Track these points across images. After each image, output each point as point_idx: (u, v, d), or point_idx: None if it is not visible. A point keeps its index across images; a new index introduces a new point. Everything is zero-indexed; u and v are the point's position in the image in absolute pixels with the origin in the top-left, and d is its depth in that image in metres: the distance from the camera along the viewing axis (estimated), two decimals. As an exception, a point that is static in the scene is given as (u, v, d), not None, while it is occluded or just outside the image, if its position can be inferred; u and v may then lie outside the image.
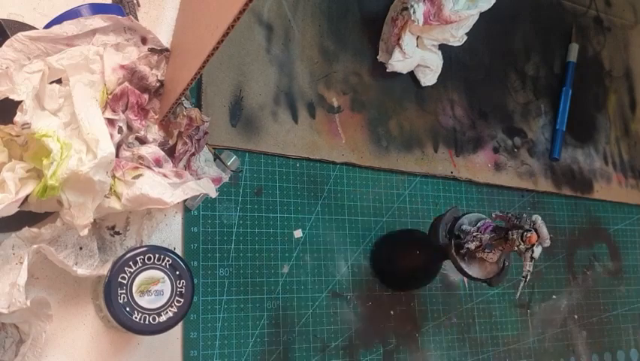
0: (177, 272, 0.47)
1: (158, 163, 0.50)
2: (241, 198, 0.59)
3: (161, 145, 0.52)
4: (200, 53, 0.42)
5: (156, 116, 0.52)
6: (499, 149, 0.75)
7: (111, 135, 0.47)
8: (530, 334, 0.72)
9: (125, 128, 0.50)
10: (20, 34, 0.46)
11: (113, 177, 0.47)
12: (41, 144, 0.45)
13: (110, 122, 0.49)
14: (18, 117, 0.45)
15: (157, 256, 0.47)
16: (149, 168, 0.49)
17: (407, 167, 0.68)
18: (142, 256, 0.46)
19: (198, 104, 0.58)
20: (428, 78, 0.70)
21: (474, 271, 0.55)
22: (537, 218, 0.52)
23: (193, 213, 0.57)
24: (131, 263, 0.46)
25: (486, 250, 0.54)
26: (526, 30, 0.81)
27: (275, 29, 0.64)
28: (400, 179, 0.68)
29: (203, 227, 0.57)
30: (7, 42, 0.46)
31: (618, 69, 0.89)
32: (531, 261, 0.52)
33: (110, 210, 0.48)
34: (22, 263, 0.45)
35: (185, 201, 0.56)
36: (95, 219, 0.47)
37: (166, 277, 0.47)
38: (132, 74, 0.50)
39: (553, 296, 0.75)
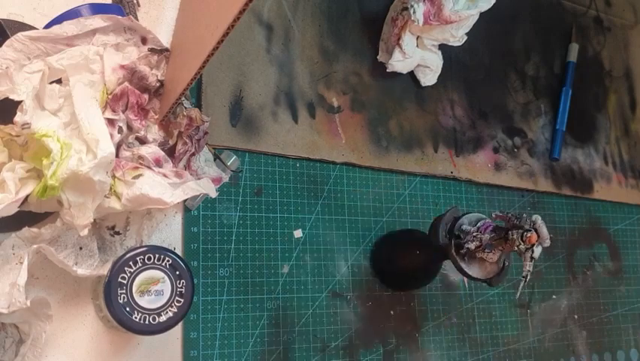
0: (177, 272, 0.47)
1: (158, 163, 0.50)
2: (241, 198, 0.59)
3: (161, 145, 0.52)
4: (200, 53, 0.42)
5: (156, 116, 0.52)
6: (499, 149, 0.75)
7: (111, 135, 0.47)
8: (530, 334, 0.72)
9: (125, 128, 0.50)
10: (20, 34, 0.46)
11: (113, 177, 0.47)
12: (41, 144, 0.45)
13: (110, 122, 0.49)
14: (18, 117, 0.45)
15: (157, 256, 0.47)
16: (149, 168, 0.49)
17: (407, 167, 0.68)
18: (142, 256, 0.46)
19: (198, 104, 0.58)
20: (428, 78, 0.70)
21: (474, 271, 0.55)
22: (537, 218, 0.52)
23: (193, 213, 0.57)
24: (131, 263, 0.46)
25: (486, 250, 0.54)
26: (526, 30, 0.81)
27: (275, 29, 0.64)
28: (400, 179, 0.68)
29: (203, 227, 0.57)
30: (7, 42, 0.46)
31: (618, 69, 0.89)
32: (531, 261, 0.52)
33: (110, 210, 0.48)
34: (22, 263, 0.45)
35: (185, 201, 0.56)
36: (95, 219, 0.47)
37: (166, 277, 0.47)
38: (132, 74, 0.50)
39: (553, 296, 0.75)
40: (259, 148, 0.60)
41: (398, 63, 0.66)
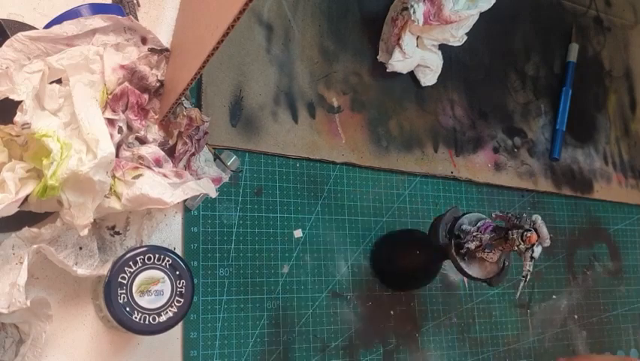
0: (177, 272, 0.47)
1: (158, 163, 0.50)
2: (241, 198, 0.59)
3: (161, 145, 0.52)
4: (200, 53, 0.42)
5: (156, 116, 0.52)
6: (499, 149, 0.75)
7: (111, 135, 0.47)
8: (530, 334, 0.72)
9: (125, 128, 0.50)
10: (20, 34, 0.46)
11: (113, 177, 0.47)
12: (41, 144, 0.45)
13: (110, 122, 0.49)
14: (18, 117, 0.45)
15: (157, 256, 0.47)
16: (149, 168, 0.49)
17: (407, 167, 0.68)
18: (142, 256, 0.46)
19: (198, 104, 0.58)
20: (428, 78, 0.70)
21: (474, 271, 0.55)
22: (537, 218, 0.52)
23: (193, 213, 0.57)
24: (131, 263, 0.46)
25: (486, 250, 0.54)
26: (526, 30, 0.81)
27: (275, 29, 0.64)
28: (400, 179, 0.68)
29: (203, 227, 0.57)
30: (7, 42, 0.46)
31: (618, 69, 0.89)
32: (531, 261, 0.52)
33: (110, 210, 0.48)
34: (22, 263, 0.45)
35: (185, 201, 0.56)
36: (95, 219, 0.47)
37: (166, 277, 0.47)
38: (132, 74, 0.50)
39: (554, 296, 0.75)
40: (259, 148, 0.60)
41: (398, 63, 0.66)
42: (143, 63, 0.51)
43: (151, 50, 0.51)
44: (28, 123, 0.44)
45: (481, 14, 0.66)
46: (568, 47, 0.83)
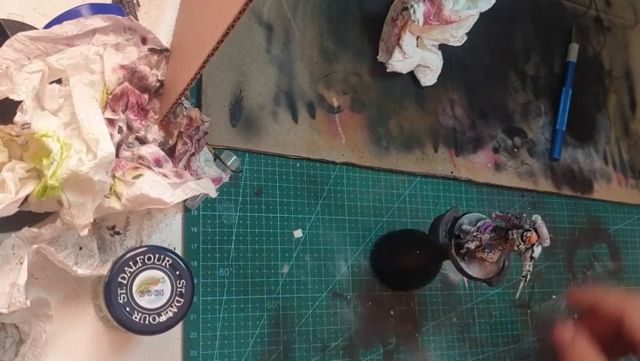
0: (177, 272, 0.47)
1: (158, 163, 0.50)
2: (241, 198, 0.59)
3: (161, 145, 0.52)
4: (200, 53, 0.42)
5: (156, 116, 0.52)
6: (499, 149, 0.75)
7: (111, 135, 0.47)
8: (530, 334, 0.72)
9: (125, 128, 0.50)
10: (20, 34, 0.46)
11: (113, 177, 0.47)
12: (41, 144, 0.45)
13: (110, 122, 0.49)
14: (18, 117, 0.45)
15: (157, 256, 0.47)
16: (149, 168, 0.49)
17: (407, 167, 0.68)
18: (142, 256, 0.46)
19: (198, 104, 0.58)
20: (428, 78, 0.70)
21: (474, 271, 0.55)
22: (537, 218, 0.52)
23: (193, 213, 0.57)
24: (131, 263, 0.46)
25: (486, 250, 0.54)
26: (526, 30, 0.81)
27: (275, 29, 0.64)
28: (400, 179, 0.68)
29: (203, 227, 0.57)
30: (7, 42, 0.46)
31: (618, 69, 0.89)
32: (531, 261, 0.52)
33: (110, 210, 0.48)
34: (22, 263, 0.45)
35: (185, 201, 0.56)
36: (95, 219, 0.47)
37: (166, 277, 0.47)
38: (132, 74, 0.50)
39: (553, 296, 0.75)
40: (259, 148, 0.60)
41: (398, 63, 0.66)
42: (143, 63, 0.51)
43: (151, 50, 0.51)
44: (28, 123, 0.44)
45: (481, 14, 0.66)
46: (568, 47, 0.83)
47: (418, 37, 0.67)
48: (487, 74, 0.76)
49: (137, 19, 0.57)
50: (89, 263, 0.49)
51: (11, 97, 0.45)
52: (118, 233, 0.53)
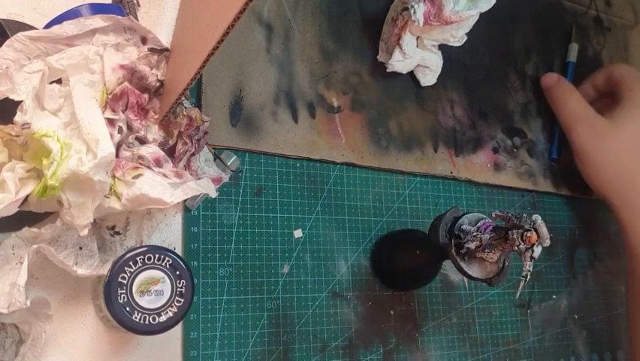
0: (177, 272, 0.47)
1: (158, 163, 0.50)
2: (241, 198, 0.59)
3: (161, 145, 0.52)
4: (200, 53, 0.42)
5: (156, 116, 0.52)
6: (498, 149, 0.75)
7: (111, 135, 0.47)
8: (530, 334, 0.72)
9: (125, 128, 0.50)
10: (20, 34, 0.46)
11: (113, 177, 0.47)
12: (41, 144, 0.45)
13: (110, 122, 0.49)
14: (18, 117, 0.45)
15: (157, 256, 0.47)
16: (149, 168, 0.49)
17: (407, 167, 0.68)
18: (142, 256, 0.46)
19: (198, 104, 0.58)
20: (428, 78, 0.70)
21: (474, 271, 0.55)
22: (537, 218, 0.52)
23: (193, 213, 0.57)
24: (131, 263, 0.46)
25: (486, 250, 0.54)
26: (526, 30, 0.81)
27: (275, 29, 0.64)
28: (400, 179, 0.68)
29: (203, 227, 0.57)
30: (7, 42, 0.46)
31: (618, 69, 0.89)
32: (531, 261, 0.52)
33: (110, 210, 0.48)
34: (22, 263, 0.45)
35: (185, 201, 0.56)
36: (95, 219, 0.47)
37: (166, 277, 0.47)
38: (132, 74, 0.50)
39: (554, 296, 0.75)
40: (259, 148, 0.60)
41: (398, 63, 0.66)
42: (143, 63, 0.51)
43: (151, 49, 0.51)
44: (28, 123, 0.44)
45: (481, 14, 0.66)
46: (568, 46, 0.83)
47: (418, 38, 0.67)
48: (487, 74, 0.76)
49: (137, 19, 0.57)
50: (89, 263, 0.49)
51: (11, 97, 0.45)
52: (118, 233, 0.53)
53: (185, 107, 0.53)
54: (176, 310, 0.47)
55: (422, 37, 0.67)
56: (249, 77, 0.61)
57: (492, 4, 0.65)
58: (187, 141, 0.53)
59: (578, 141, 0.74)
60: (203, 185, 0.51)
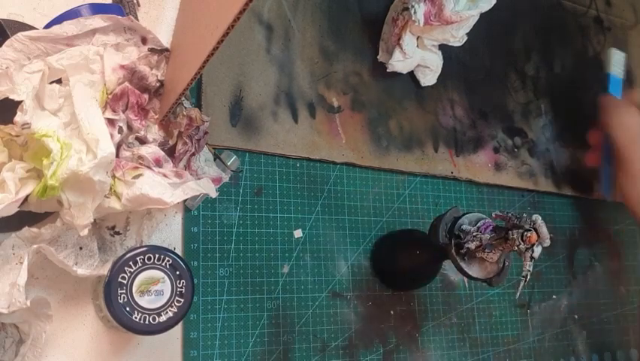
0: (177, 272, 0.47)
1: (158, 163, 0.50)
2: (241, 198, 0.59)
3: (161, 145, 0.52)
4: (200, 53, 0.42)
5: (156, 116, 0.52)
6: (499, 149, 0.75)
7: (111, 135, 0.47)
8: (530, 334, 0.72)
9: (125, 128, 0.50)
10: (20, 34, 0.46)
11: (113, 177, 0.47)
12: (41, 144, 0.45)
13: (110, 122, 0.49)
14: (18, 117, 0.45)
15: (157, 256, 0.47)
16: (149, 168, 0.49)
17: (407, 167, 0.68)
18: (142, 256, 0.46)
19: (198, 104, 0.58)
20: (428, 78, 0.70)
21: (474, 271, 0.55)
22: (537, 218, 0.52)
23: (193, 213, 0.57)
24: (131, 263, 0.46)
25: (486, 250, 0.54)
26: (526, 30, 0.81)
27: (275, 29, 0.64)
28: (400, 179, 0.68)
29: (203, 227, 0.57)
30: (7, 42, 0.46)
31: (618, 69, 0.89)
32: (531, 261, 0.52)
33: (110, 210, 0.48)
34: (22, 263, 0.45)
35: (185, 201, 0.56)
36: (95, 219, 0.47)
37: (166, 277, 0.47)
38: (132, 74, 0.50)
39: (554, 296, 0.75)
40: (259, 148, 0.60)
41: (398, 63, 0.66)
42: (143, 63, 0.51)
43: (151, 50, 0.51)
44: (28, 123, 0.44)
45: (482, 14, 0.66)
46: (605, 54, 0.79)
47: (418, 38, 0.67)
48: (488, 74, 0.76)
49: (137, 19, 0.57)
50: (89, 263, 0.49)
51: (11, 97, 0.45)
52: (118, 233, 0.53)
53: (185, 107, 0.53)
54: (176, 310, 0.47)
55: (422, 37, 0.67)
56: (249, 77, 0.61)
57: (492, 4, 0.65)
58: (187, 141, 0.53)
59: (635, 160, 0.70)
60: (203, 185, 0.51)
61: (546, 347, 0.73)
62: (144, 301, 0.46)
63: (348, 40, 0.68)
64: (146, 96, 0.51)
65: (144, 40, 0.51)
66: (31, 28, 0.50)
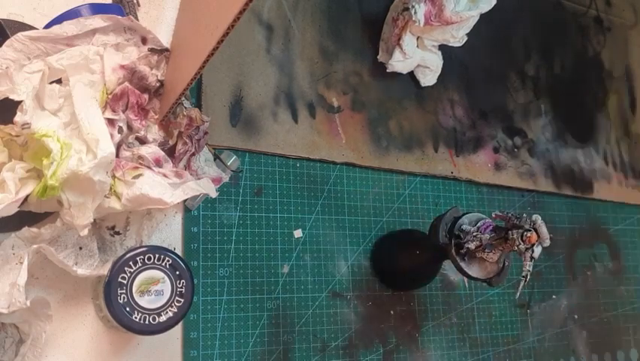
0: (177, 272, 0.47)
1: (158, 163, 0.50)
2: (241, 198, 0.59)
3: (161, 145, 0.52)
4: (200, 53, 0.42)
5: (156, 116, 0.52)
6: (499, 149, 0.75)
7: (111, 135, 0.47)
8: (530, 334, 0.72)
9: (125, 128, 0.50)
10: (20, 34, 0.46)
11: (113, 177, 0.47)
12: (41, 144, 0.45)
13: (110, 122, 0.49)
14: (18, 117, 0.45)
15: (157, 256, 0.47)
16: (149, 168, 0.49)
17: (407, 167, 0.68)
18: (142, 256, 0.46)
19: (198, 104, 0.58)
20: (428, 79, 0.70)
21: (474, 271, 0.55)
22: (537, 218, 0.52)
23: (193, 213, 0.57)
24: (131, 263, 0.46)
25: (486, 250, 0.54)
26: (526, 30, 0.81)
27: (275, 29, 0.64)
28: (400, 179, 0.68)
29: (203, 227, 0.57)
30: (7, 42, 0.46)
31: (618, 69, 0.89)
32: (531, 261, 0.52)
33: (110, 210, 0.48)
34: (22, 263, 0.45)
35: (185, 201, 0.56)
36: (95, 219, 0.47)
37: (166, 277, 0.47)
38: (132, 74, 0.50)
39: (553, 296, 0.75)
40: (259, 148, 0.60)
41: (398, 63, 0.66)
42: (143, 63, 0.51)
43: (151, 50, 0.51)
44: (28, 123, 0.44)
45: (482, 15, 0.66)
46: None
47: (418, 38, 0.67)
48: (488, 74, 0.76)
49: (137, 19, 0.57)
50: (89, 263, 0.49)
51: (11, 97, 0.45)
52: (118, 233, 0.53)
53: (185, 107, 0.53)
54: (176, 310, 0.47)
55: (422, 37, 0.67)
56: (248, 77, 0.61)
57: (492, 5, 0.65)
58: (187, 141, 0.53)
59: None
60: (203, 185, 0.51)
61: (546, 347, 0.73)
62: (144, 301, 0.46)
63: (348, 40, 0.68)
64: (146, 96, 0.51)
65: (144, 40, 0.51)
66: (31, 28, 0.50)
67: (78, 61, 0.48)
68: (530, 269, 0.52)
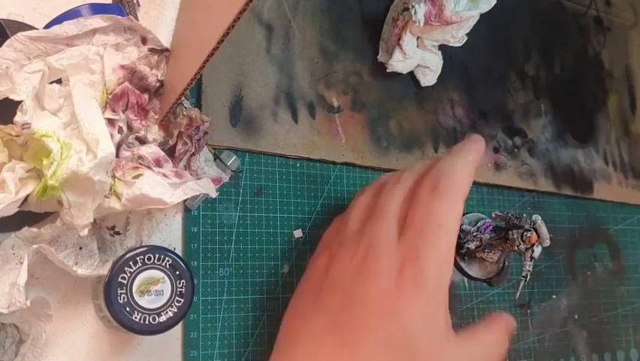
0: (177, 272, 0.47)
1: (158, 163, 0.50)
2: (241, 198, 0.59)
3: (161, 145, 0.52)
4: (200, 53, 0.42)
5: (156, 116, 0.52)
6: (499, 149, 0.75)
7: (111, 135, 0.47)
8: (530, 334, 0.72)
9: (125, 128, 0.50)
10: (20, 34, 0.46)
11: (113, 177, 0.47)
12: (41, 144, 0.45)
13: (110, 122, 0.49)
14: (18, 117, 0.45)
15: (157, 256, 0.47)
16: (149, 168, 0.49)
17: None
18: (142, 256, 0.46)
19: (198, 104, 0.58)
20: (428, 79, 0.70)
21: (474, 271, 0.55)
22: (537, 218, 0.52)
23: (193, 213, 0.57)
24: (131, 263, 0.46)
25: (486, 250, 0.54)
26: (526, 30, 0.81)
27: (275, 29, 0.64)
28: (400, 179, 0.68)
29: (203, 227, 0.57)
30: (7, 42, 0.46)
31: (618, 69, 0.89)
32: (531, 261, 0.52)
33: (110, 210, 0.48)
34: (22, 263, 0.45)
35: (185, 201, 0.56)
36: (95, 219, 0.47)
37: (166, 277, 0.47)
38: (132, 74, 0.50)
39: (553, 296, 0.75)
40: (259, 148, 0.60)
41: (398, 63, 0.66)
42: (143, 63, 0.51)
43: (151, 50, 0.51)
44: (28, 123, 0.45)
45: (482, 15, 0.66)
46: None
47: (418, 38, 0.67)
48: (488, 74, 0.76)
49: (137, 19, 0.57)
50: (89, 263, 0.49)
51: (11, 97, 0.45)
52: (118, 233, 0.53)
53: (185, 107, 0.53)
54: (176, 310, 0.47)
55: (422, 37, 0.67)
56: (248, 77, 0.61)
57: (492, 5, 0.65)
58: (187, 141, 0.53)
59: None
60: (203, 185, 0.51)
61: (546, 347, 0.73)
62: (144, 301, 0.46)
63: (348, 40, 0.68)
64: (146, 96, 0.51)
65: (144, 40, 0.51)
66: (31, 28, 0.50)
67: (78, 61, 0.48)
68: (530, 269, 0.53)
